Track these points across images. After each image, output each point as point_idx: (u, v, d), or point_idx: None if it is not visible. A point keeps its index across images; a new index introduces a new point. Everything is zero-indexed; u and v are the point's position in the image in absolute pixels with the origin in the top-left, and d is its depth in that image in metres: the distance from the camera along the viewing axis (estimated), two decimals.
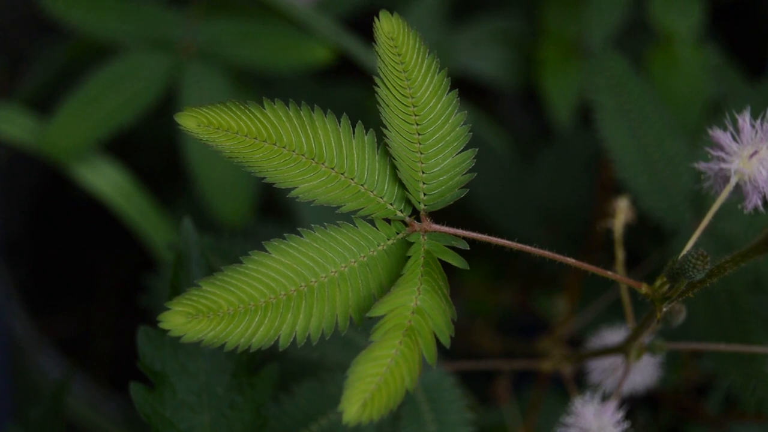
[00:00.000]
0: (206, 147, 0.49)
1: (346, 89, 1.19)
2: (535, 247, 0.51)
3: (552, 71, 1.14)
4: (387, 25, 0.50)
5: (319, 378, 0.66)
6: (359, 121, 0.50)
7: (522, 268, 1.19)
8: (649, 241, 0.95)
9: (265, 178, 0.48)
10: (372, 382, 0.44)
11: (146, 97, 1.02)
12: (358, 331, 0.69)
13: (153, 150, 1.25)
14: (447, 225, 0.51)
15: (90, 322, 1.30)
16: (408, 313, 0.46)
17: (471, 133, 0.50)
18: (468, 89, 1.18)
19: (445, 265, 0.50)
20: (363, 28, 0.72)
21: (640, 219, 0.73)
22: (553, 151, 1.17)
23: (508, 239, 0.51)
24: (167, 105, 1.04)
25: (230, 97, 1.04)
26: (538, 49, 1.16)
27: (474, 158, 0.51)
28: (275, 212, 1.19)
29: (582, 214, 1.11)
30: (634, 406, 0.87)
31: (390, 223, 0.50)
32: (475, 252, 0.53)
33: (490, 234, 0.51)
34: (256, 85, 1.11)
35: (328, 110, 0.50)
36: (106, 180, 1.05)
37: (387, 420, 0.65)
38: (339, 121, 0.50)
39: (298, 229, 0.48)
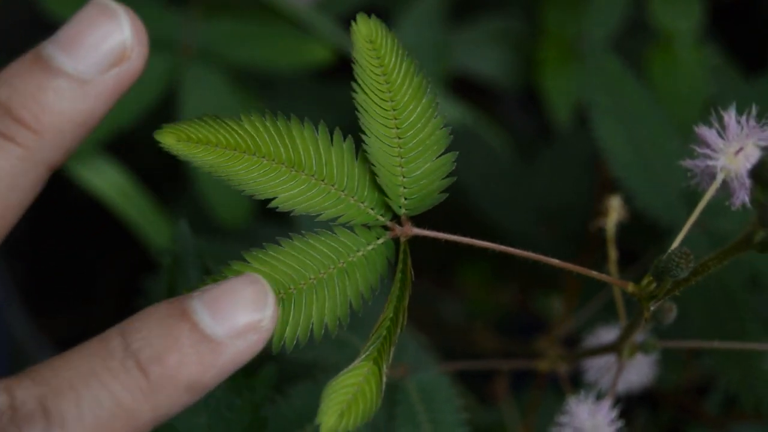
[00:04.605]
0: None
1: (346, 89, 1.19)
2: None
3: (552, 71, 1.14)
4: (365, 28, 0.49)
5: (314, 379, 0.66)
6: (336, 127, 0.50)
7: (521, 267, 1.19)
8: (648, 239, 0.95)
9: (244, 190, 0.48)
10: (348, 392, 0.44)
11: (146, 97, 1.02)
12: (354, 332, 0.69)
13: (153, 150, 1.25)
14: (446, 226, 0.50)
15: (90, 322, 1.30)
16: (388, 322, 0.46)
17: (452, 136, 0.49)
18: (468, 89, 1.18)
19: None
20: None
21: (637, 217, 0.73)
22: (553, 151, 1.16)
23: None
24: (167, 105, 1.04)
25: (230, 98, 1.04)
26: (538, 50, 1.16)
27: (454, 161, 0.49)
28: (275, 212, 1.18)
29: (582, 214, 1.11)
30: (634, 406, 0.87)
31: (370, 229, 0.49)
32: (474, 252, 0.53)
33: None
34: (256, 85, 1.11)
35: (305, 118, 0.49)
36: (106, 180, 1.05)
37: (382, 420, 0.65)
38: (317, 128, 0.49)
39: (277, 238, 0.48)
